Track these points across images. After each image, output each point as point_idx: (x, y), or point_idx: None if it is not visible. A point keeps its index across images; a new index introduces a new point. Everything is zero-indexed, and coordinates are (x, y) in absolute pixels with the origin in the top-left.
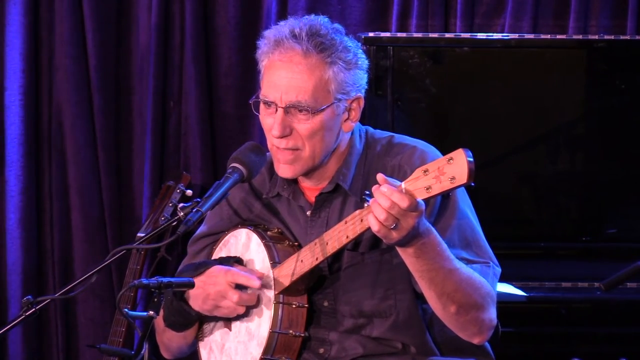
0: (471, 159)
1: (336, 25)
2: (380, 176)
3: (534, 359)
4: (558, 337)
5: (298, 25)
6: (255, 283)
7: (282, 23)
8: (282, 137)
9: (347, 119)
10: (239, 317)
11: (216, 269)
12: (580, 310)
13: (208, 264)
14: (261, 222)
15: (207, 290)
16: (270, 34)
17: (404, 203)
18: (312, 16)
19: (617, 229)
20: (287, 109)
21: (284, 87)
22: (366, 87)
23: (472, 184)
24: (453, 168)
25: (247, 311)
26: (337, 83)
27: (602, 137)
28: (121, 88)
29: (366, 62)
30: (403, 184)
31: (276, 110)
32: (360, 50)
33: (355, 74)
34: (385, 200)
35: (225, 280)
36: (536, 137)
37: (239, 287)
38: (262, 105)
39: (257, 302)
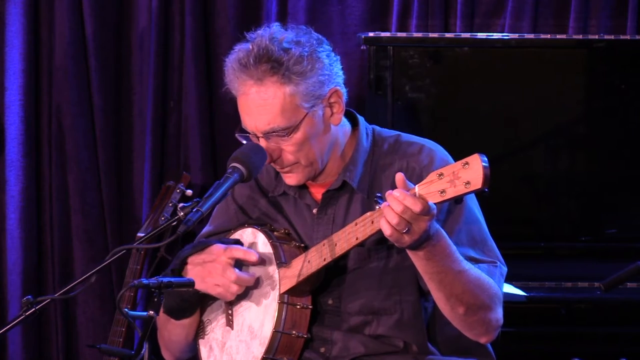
0: (486, 164)
1: (286, 34)
2: (399, 175)
3: (534, 359)
4: (558, 337)
5: (246, 50)
6: (253, 257)
7: (235, 49)
8: (274, 161)
9: (332, 114)
10: (241, 316)
11: (216, 247)
12: (580, 310)
13: (207, 242)
14: (267, 221)
15: (206, 267)
16: (228, 63)
17: (416, 207)
18: (262, 30)
19: (617, 229)
20: (267, 136)
21: (254, 118)
22: (340, 73)
23: (486, 190)
24: (468, 173)
25: (251, 310)
26: (302, 95)
27: (602, 137)
28: (121, 88)
29: (328, 56)
30: (416, 188)
31: (258, 139)
32: (318, 48)
33: (317, 77)
34: (398, 204)
35: (225, 257)
36: (536, 137)
37: (240, 265)
38: (250, 135)
39: (261, 302)
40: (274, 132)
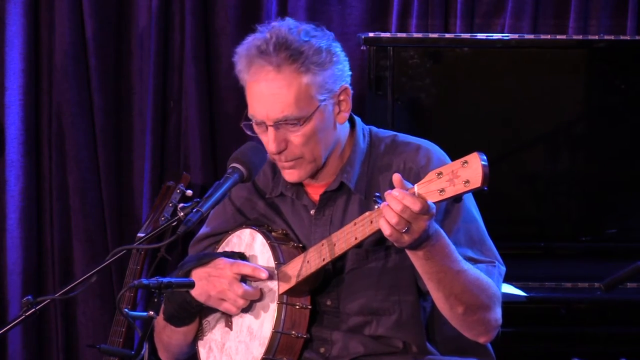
0: (485, 163)
1: (303, 26)
2: (396, 176)
3: (534, 359)
4: (558, 337)
5: (264, 38)
6: (262, 274)
7: (249, 38)
8: (279, 152)
9: (339, 111)
10: (241, 317)
11: (222, 261)
12: (580, 310)
13: (212, 255)
14: (265, 222)
15: (211, 281)
16: (241, 52)
17: (416, 206)
18: (278, 22)
19: (617, 229)
20: (277, 125)
21: (266, 106)
22: (350, 73)
23: (485, 189)
24: (467, 171)
25: (250, 311)
26: (317, 86)
27: (602, 137)
28: (121, 88)
29: (342, 53)
30: (415, 187)
31: (267, 128)
32: (334, 43)
33: (333, 71)
34: (397, 203)
35: (231, 272)
36: (536, 137)
37: (244, 280)
38: (254, 124)
39: (260, 302)
40: (285, 120)
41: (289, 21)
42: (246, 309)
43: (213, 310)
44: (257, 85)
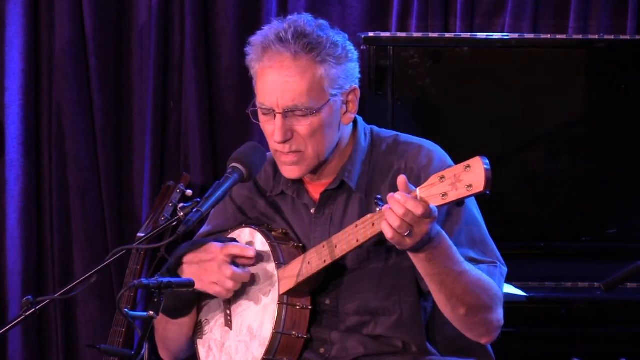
0: (488, 167)
1: (321, 21)
2: (401, 178)
3: (534, 359)
4: (558, 337)
5: (282, 27)
6: (250, 252)
7: (266, 27)
8: (284, 142)
9: (346, 111)
10: (240, 316)
11: (212, 245)
12: (580, 310)
13: (204, 242)
14: (265, 221)
15: (203, 266)
16: (256, 40)
17: (418, 210)
18: (295, 16)
19: (617, 229)
20: (286, 114)
21: (278, 92)
22: (359, 76)
23: (488, 192)
24: (470, 176)
25: (250, 310)
26: (330, 79)
27: (602, 137)
28: (121, 88)
29: (356, 53)
30: (418, 191)
31: (274, 116)
32: (349, 42)
33: (347, 67)
34: (400, 207)
35: (221, 255)
36: (536, 137)
37: (236, 264)
38: (260, 113)
39: (261, 302)
40: (296, 109)
41: (306, 15)
42: (246, 309)
43: (212, 309)
44: (270, 72)
